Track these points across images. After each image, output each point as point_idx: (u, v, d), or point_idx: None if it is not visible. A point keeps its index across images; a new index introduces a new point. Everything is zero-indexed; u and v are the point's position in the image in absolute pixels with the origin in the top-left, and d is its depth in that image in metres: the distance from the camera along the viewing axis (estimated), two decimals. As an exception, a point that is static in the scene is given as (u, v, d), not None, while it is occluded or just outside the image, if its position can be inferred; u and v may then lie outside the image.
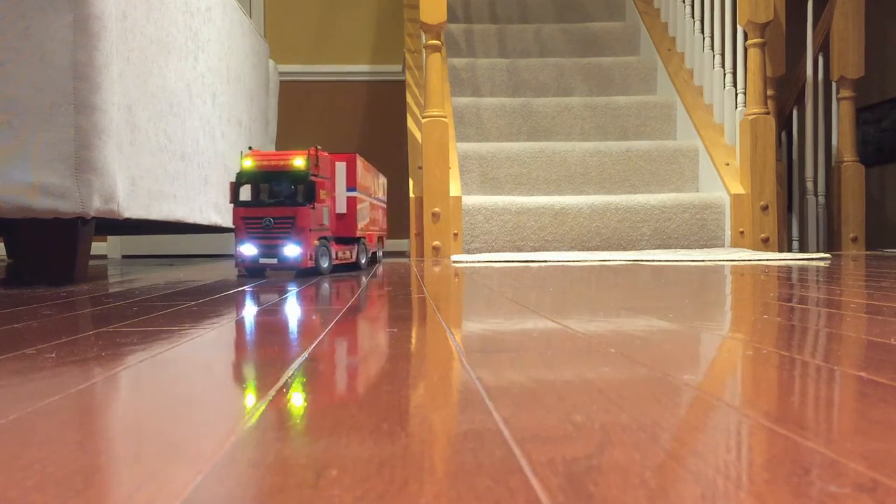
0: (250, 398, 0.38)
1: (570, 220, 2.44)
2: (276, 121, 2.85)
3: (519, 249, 2.43)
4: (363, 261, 1.68)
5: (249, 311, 0.81)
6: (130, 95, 1.40)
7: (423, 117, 2.45)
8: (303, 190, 1.39)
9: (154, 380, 0.44)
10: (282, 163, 1.40)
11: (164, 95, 1.56)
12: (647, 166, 2.70)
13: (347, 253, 1.58)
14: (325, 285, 1.21)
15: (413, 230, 2.46)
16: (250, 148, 1.46)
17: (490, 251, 2.43)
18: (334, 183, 1.55)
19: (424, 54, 2.50)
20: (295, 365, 0.48)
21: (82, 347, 0.56)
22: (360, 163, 1.63)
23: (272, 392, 0.39)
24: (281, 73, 3.77)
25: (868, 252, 2.68)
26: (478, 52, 3.36)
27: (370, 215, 1.79)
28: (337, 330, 0.64)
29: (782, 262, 1.85)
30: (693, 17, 2.93)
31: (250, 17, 3.80)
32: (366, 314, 0.76)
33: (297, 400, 0.37)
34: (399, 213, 3.81)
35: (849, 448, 0.28)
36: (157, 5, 1.52)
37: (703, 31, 2.87)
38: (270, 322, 0.72)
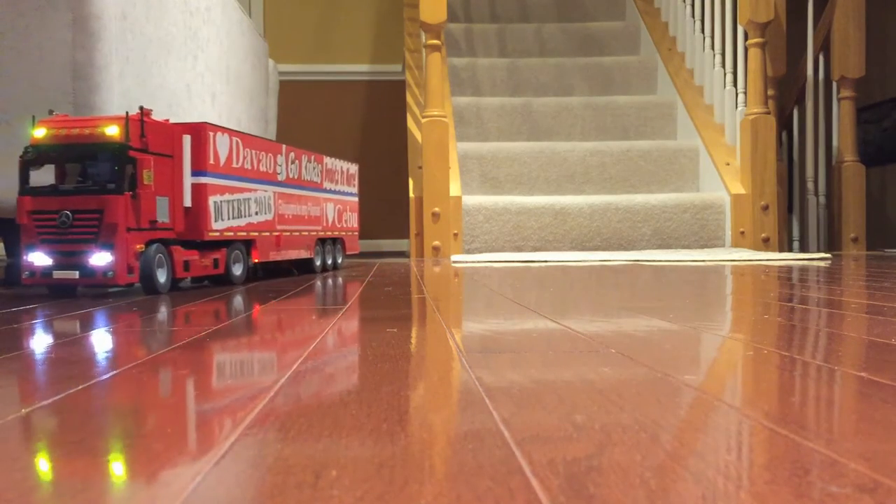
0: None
1: (570, 220, 2.43)
2: (275, 121, 2.85)
3: (519, 249, 2.43)
4: (237, 272, 1.25)
5: (253, 307, 0.81)
6: (130, 95, 1.40)
7: (423, 117, 2.45)
8: (118, 171, 1.01)
9: (158, 378, 0.44)
10: (86, 132, 1.01)
11: (163, 95, 1.56)
12: (647, 166, 2.70)
13: (208, 261, 1.17)
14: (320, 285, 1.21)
15: (413, 230, 2.46)
16: (51, 112, 1.10)
17: (490, 251, 2.43)
18: (180, 163, 1.13)
19: (424, 54, 2.50)
20: (291, 370, 0.47)
21: (82, 347, 0.56)
22: (230, 138, 1.21)
23: (272, 390, 0.39)
24: (281, 73, 3.77)
25: (869, 252, 2.67)
26: (478, 52, 3.35)
27: (281, 211, 1.39)
28: (337, 329, 0.64)
29: (783, 263, 1.85)
30: (693, 16, 2.93)
31: (250, 16, 3.80)
32: (365, 314, 0.76)
33: (295, 400, 0.37)
34: (399, 213, 3.81)
35: (849, 448, 0.28)
36: (157, 5, 1.52)
37: (703, 31, 2.87)
38: (269, 321, 0.72)
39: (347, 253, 1.75)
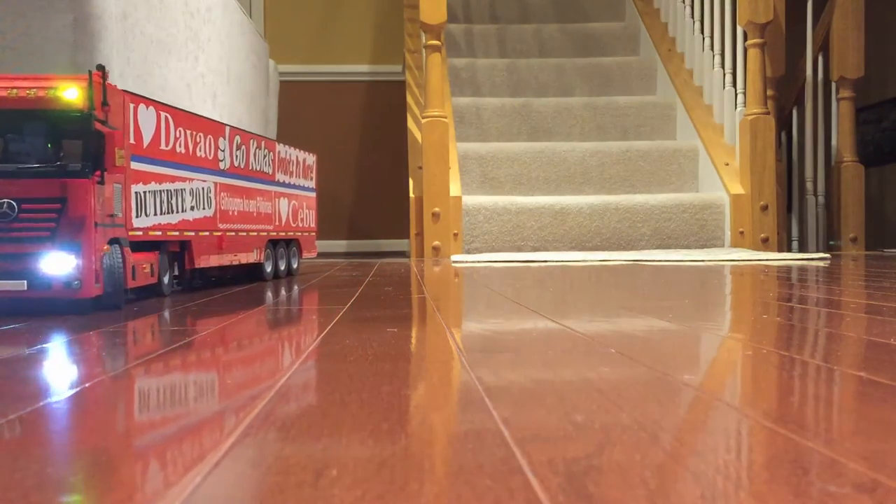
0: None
1: (570, 220, 2.44)
2: (276, 121, 2.85)
3: (519, 249, 2.43)
4: (166, 280, 1.01)
5: (262, 303, 0.82)
6: (130, 95, 1.40)
7: (423, 117, 2.45)
8: (86, 147, 0.79)
9: (159, 378, 0.44)
10: (32, 94, 0.78)
11: (164, 96, 1.56)
12: (646, 166, 2.70)
13: (147, 267, 0.94)
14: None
15: (413, 230, 2.46)
16: None
17: (490, 251, 2.43)
18: (138, 139, 0.91)
19: (424, 54, 2.50)
20: (291, 370, 0.48)
21: (84, 347, 0.56)
22: (156, 113, 0.96)
23: (273, 390, 0.39)
24: (281, 73, 3.77)
25: (868, 252, 2.68)
26: (478, 52, 3.36)
27: (224, 206, 1.15)
28: (337, 329, 0.64)
29: (782, 263, 1.85)
30: (693, 17, 2.93)
31: (250, 17, 3.80)
32: (365, 314, 0.76)
33: (295, 400, 0.37)
34: (399, 213, 3.81)
35: (848, 448, 0.28)
36: (158, 5, 1.52)
37: (702, 32, 2.87)
38: (267, 321, 0.72)
39: (304, 256, 1.53)
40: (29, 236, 0.77)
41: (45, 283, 0.77)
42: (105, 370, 0.46)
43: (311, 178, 1.57)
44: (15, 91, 0.78)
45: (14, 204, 0.76)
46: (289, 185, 1.43)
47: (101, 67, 0.81)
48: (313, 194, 1.58)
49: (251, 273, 1.31)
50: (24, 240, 0.77)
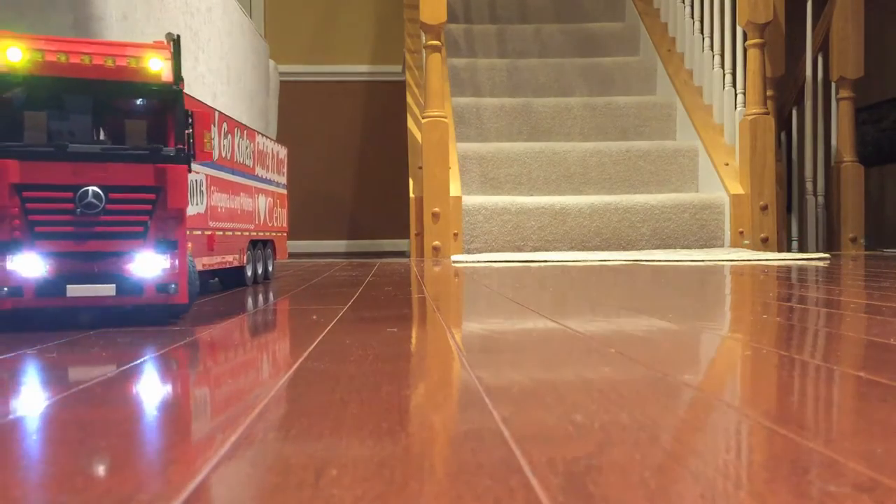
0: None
1: (570, 221, 2.44)
2: (276, 121, 2.85)
3: (519, 249, 2.43)
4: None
5: (251, 309, 0.82)
6: (130, 95, 1.39)
7: (423, 117, 2.45)
8: (179, 128, 0.69)
9: (154, 376, 0.44)
10: (109, 63, 0.66)
11: (164, 95, 1.56)
12: (646, 166, 2.70)
13: None
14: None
15: (413, 230, 2.46)
16: None
17: (490, 251, 2.43)
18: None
19: (424, 54, 2.50)
20: (291, 370, 0.48)
21: (84, 347, 0.56)
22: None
23: (274, 389, 0.39)
24: (281, 73, 3.77)
25: (867, 252, 2.68)
26: (478, 53, 3.35)
27: (214, 202, 0.99)
28: (337, 329, 0.64)
29: (781, 263, 1.85)
30: (693, 17, 2.93)
31: (250, 17, 3.80)
32: (365, 313, 0.76)
33: (295, 399, 0.37)
34: (399, 213, 3.81)
35: (848, 448, 0.28)
36: (158, 6, 1.52)
37: (702, 32, 2.87)
38: (267, 321, 0.72)
39: (276, 259, 1.36)
40: (119, 231, 0.66)
41: (136, 288, 0.66)
42: (122, 362, 0.47)
43: (284, 174, 1.42)
44: (89, 58, 0.65)
45: (101, 193, 0.64)
46: (266, 181, 1.28)
47: (173, 37, 0.68)
48: (286, 191, 1.44)
49: (226, 277, 1.15)
50: (114, 235, 0.65)
